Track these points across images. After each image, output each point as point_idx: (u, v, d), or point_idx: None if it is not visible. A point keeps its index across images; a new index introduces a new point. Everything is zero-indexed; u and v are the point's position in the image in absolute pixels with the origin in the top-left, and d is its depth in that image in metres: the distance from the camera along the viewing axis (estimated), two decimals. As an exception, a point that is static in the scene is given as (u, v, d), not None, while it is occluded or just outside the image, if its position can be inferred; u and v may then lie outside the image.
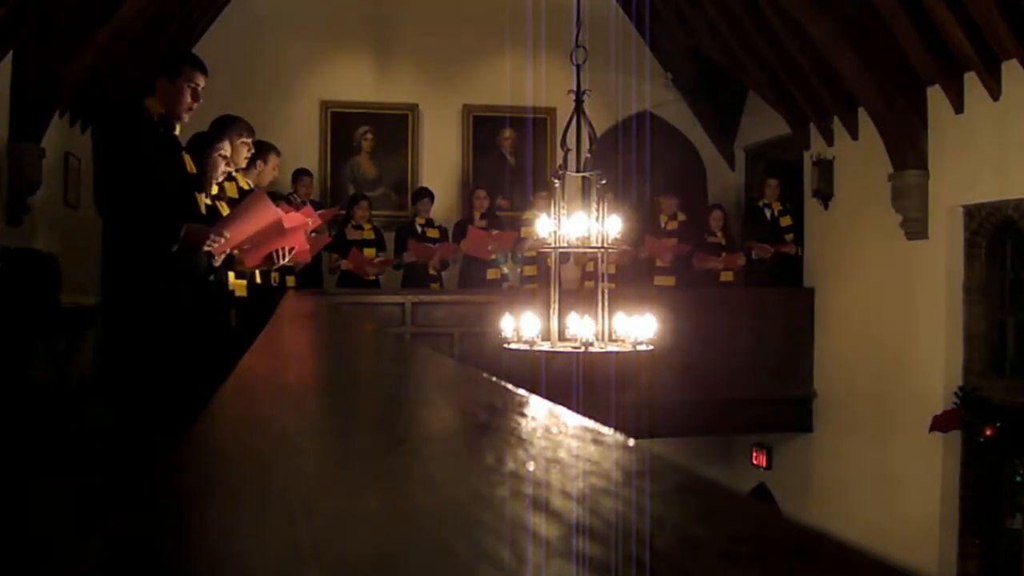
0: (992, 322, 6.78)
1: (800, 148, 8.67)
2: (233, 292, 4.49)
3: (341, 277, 7.92)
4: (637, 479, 0.66)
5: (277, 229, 4.20)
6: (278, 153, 5.89)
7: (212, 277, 3.86)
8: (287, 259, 4.50)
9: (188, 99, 3.72)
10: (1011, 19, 5.73)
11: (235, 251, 4.11)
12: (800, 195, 8.69)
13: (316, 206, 6.51)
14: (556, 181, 5.16)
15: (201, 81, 3.76)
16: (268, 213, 4.05)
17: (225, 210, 4.48)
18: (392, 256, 8.15)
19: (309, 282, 7.44)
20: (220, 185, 4.53)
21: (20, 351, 4.88)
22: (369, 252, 7.98)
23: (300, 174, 8.11)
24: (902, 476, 7.11)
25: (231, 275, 4.44)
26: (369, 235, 8.13)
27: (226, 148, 4.33)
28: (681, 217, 8.82)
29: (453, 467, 0.75)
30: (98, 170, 3.57)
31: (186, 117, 3.79)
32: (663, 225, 8.75)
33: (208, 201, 4.25)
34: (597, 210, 4.96)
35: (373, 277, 7.98)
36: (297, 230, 4.42)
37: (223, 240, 3.71)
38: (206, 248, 3.66)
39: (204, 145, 4.28)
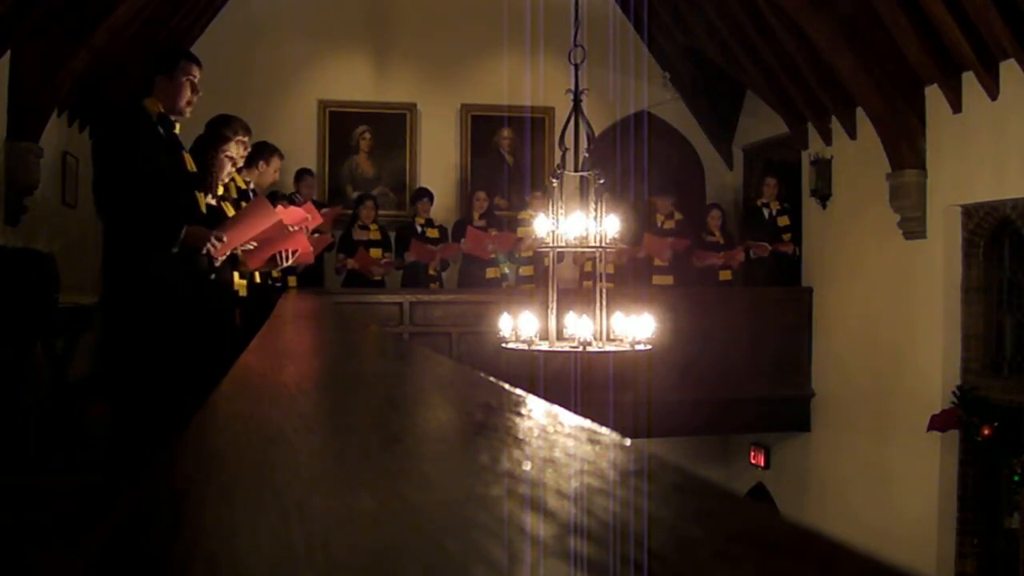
0: (990, 322, 6.78)
1: (798, 148, 8.68)
2: (237, 292, 4.50)
3: (347, 277, 7.94)
4: (633, 479, 0.65)
5: (280, 231, 4.22)
6: (281, 156, 5.87)
7: (213, 276, 3.86)
8: (291, 261, 4.51)
9: (188, 93, 3.76)
10: (1009, 19, 5.73)
11: (239, 251, 4.12)
12: (798, 195, 8.70)
13: (317, 206, 6.51)
14: (554, 180, 5.16)
15: (197, 74, 3.80)
16: (269, 217, 4.07)
17: (230, 209, 4.49)
18: (396, 257, 8.17)
19: (310, 281, 7.45)
20: (224, 185, 4.54)
21: (18, 351, 4.88)
22: (375, 253, 8.00)
23: (302, 174, 8.12)
24: (900, 476, 7.12)
25: (235, 275, 4.45)
26: (375, 236, 8.15)
27: (231, 149, 4.34)
28: (678, 216, 8.82)
29: (448, 466, 0.75)
30: (98, 172, 3.57)
31: (187, 112, 3.81)
32: (659, 225, 8.76)
33: (212, 201, 4.26)
34: (595, 210, 4.96)
35: (379, 277, 8.00)
36: (299, 232, 4.44)
37: (221, 244, 3.72)
38: (205, 251, 3.68)
39: (208, 147, 4.28)
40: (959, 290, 6.83)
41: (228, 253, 3.92)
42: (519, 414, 0.93)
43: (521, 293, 7.60)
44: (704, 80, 9.63)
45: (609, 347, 4.90)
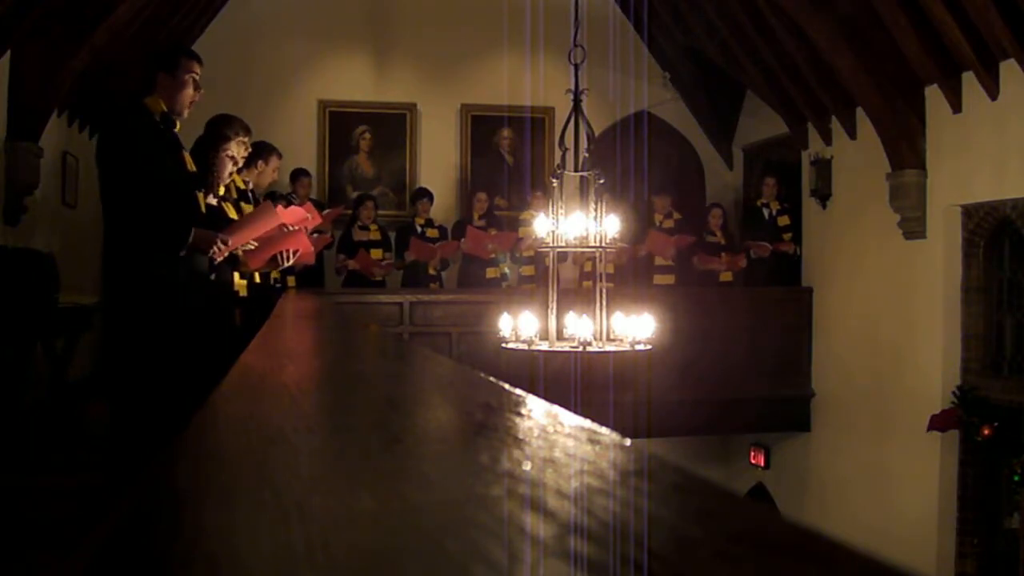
0: (990, 322, 6.78)
1: (798, 147, 8.68)
2: (237, 292, 4.51)
3: (347, 277, 7.94)
4: (633, 479, 0.65)
5: (281, 233, 4.24)
6: (280, 156, 5.88)
7: (213, 276, 3.88)
8: (291, 261, 4.52)
9: (191, 90, 3.75)
10: (1009, 19, 5.73)
11: (239, 251, 4.13)
12: (798, 194, 8.70)
13: (317, 206, 6.51)
14: (554, 180, 5.16)
15: (199, 70, 3.79)
16: (274, 222, 4.10)
17: (230, 210, 4.49)
18: (396, 256, 8.17)
19: (310, 282, 7.45)
20: (224, 185, 4.55)
21: (18, 351, 4.87)
22: (376, 253, 8.01)
23: (298, 174, 8.12)
24: (900, 476, 7.12)
25: (235, 275, 4.45)
26: (375, 236, 8.15)
27: (232, 148, 4.34)
28: (676, 216, 8.83)
29: (448, 466, 0.75)
30: (104, 176, 3.57)
31: (187, 112, 3.80)
32: (658, 224, 8.77)
33: (214, 201, 4.26)
34: (595, 209, 4.96)
35: (380, 278, 8.00)
36: (299, 232, 4.44)
37: (226, 247, 3.73)
38: (210, 253, 3.69)
39: (209, 147, 4.28)
40: (959, 290, 6.83)
41: (228, 254, 3.93)
42: (519, 414, 0.93)
43: (521, 293, 7.60)
44: (704, 80, 9.63)
45: (609, 347, 4.90)
